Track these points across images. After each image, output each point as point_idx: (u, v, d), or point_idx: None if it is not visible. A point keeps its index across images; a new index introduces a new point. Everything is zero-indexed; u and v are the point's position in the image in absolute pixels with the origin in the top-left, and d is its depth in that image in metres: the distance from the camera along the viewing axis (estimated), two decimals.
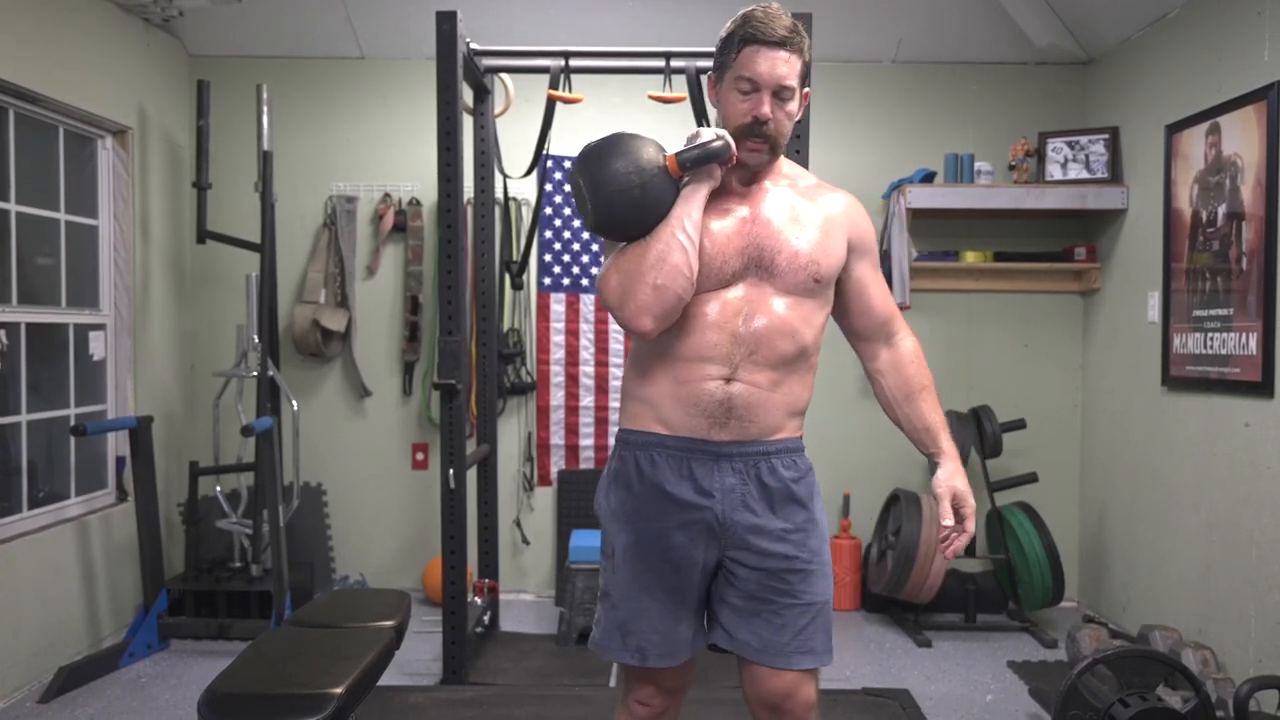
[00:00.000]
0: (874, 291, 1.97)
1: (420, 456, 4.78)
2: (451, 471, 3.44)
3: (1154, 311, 4.02)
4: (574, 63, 3.73)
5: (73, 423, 3.91)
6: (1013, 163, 4.58)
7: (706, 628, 1.98)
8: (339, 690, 2.13)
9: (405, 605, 2.78)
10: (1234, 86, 3.47)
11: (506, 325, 4.70)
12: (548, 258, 4.73)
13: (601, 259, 1.98)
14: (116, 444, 4.17)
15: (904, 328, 2.00)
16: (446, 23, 3.40)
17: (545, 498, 4.79)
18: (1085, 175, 4.43)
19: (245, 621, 4.00)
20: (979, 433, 4.36)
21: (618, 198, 1.80)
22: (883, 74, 4.74)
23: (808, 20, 3.26)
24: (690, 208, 1.82)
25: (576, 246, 4.73)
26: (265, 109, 4.19)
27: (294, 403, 4.32)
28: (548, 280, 4.74)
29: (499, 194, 4.34)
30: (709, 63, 3.69)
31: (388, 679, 3.20)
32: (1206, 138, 3.64)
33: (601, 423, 4.74)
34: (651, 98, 3.65)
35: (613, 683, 3.57)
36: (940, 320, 4.74)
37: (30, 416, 3.73)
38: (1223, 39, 3.55)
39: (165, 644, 3.97)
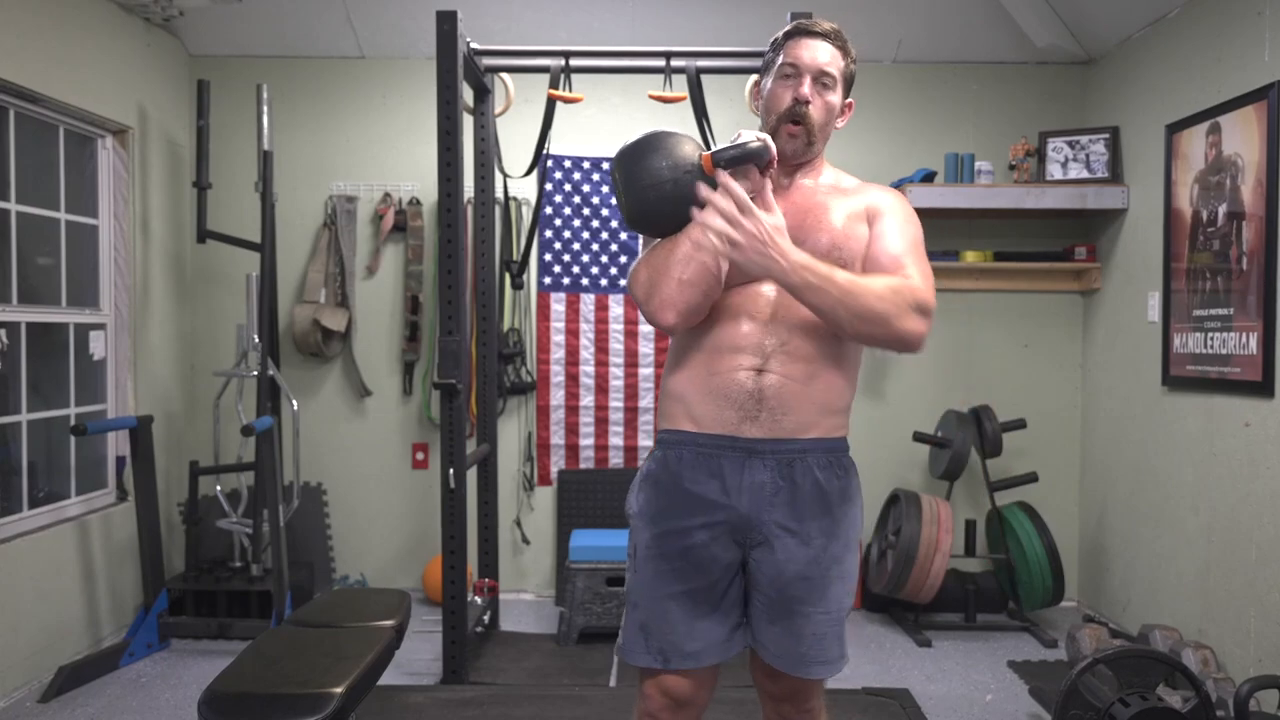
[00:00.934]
0: (879, 243, 1.86)
1: (420, 456, 4.78)
2: (451, 471, 3.44)
3: (1154, 311, 4.02)
4: (574, 62, 3.73)
5: (73, 422, 3.91)
6: (1013, 162, 4.58)
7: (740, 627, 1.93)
8: (339, 690, 2.13)
9: (405, 605, 2.78)
10: (1234, 86, 3.47)
11: (506, 325, 4.70)
12: (548, 257, 4.73)
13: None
14: (116, 444, 4.17)
15: (916, 278, 1.81)
16: (446, 22, 3.40)
17: (545, 497, 4.79)
18: (1085, 175, 4.43)
19: (245, 621, 4.00)
20: (979, 433, 4.36)
21: (651, 193, 1.81)
22: (883, 74, 4.74)
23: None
24: None
25: (576, 246, 4.73)
26: (265, 109, 4.19)
27: (294, 402, 4.32)
28: (548, 280, 4.74)
29: (499, 194, 4.34)
30: (709, 62, 3.74)
31: (388, 679, 3.20)
32: (1207, 137, 3.64)
33: (601, 423, 4.74)
34: (652, 97, 3.65)
35: (613, 682, 3.57)
36: (940, 320, 4.69)
37: (30, 416, 3.73)
38: (1223, 39, 3.55)
39: (165, 644, 3.97)
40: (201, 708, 2.08)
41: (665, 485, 1.89)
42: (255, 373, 4.14)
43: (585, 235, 4.72)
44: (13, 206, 3.64)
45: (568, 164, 4.69)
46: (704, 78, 3.65)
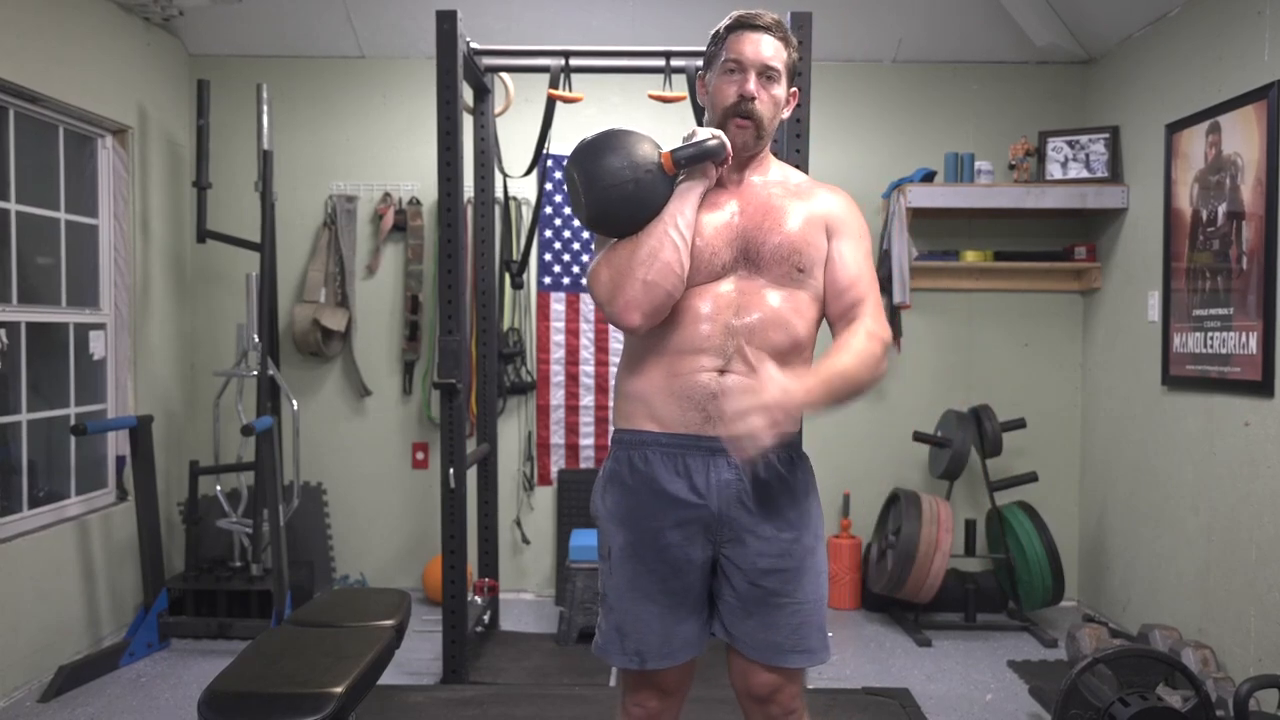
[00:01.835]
0: (840, 265, 1.89)
1: (420, 456, 4.78)
2: (451, 471, 3.44)
3: (1154, 311, 4.02)
4: (574, 62, 3.73)
5: (73, 422, 3.91)
6: (1013, 162, 4.58)
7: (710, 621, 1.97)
8: (339, 689, 2.13)
9: (405, 604, 2.78)
10: (1234, 86, 3.47)
11: (506, 325, 4.70)
12: (548, 257, 4.73)
13: (590, 251, 1.98)
14: (116, 443, 4.17)
15: (870, 316, 1.86)
16: (446, 22, 3.40)
17: (545, 497, 4.79)
18: (1085, 175, 4.43)
19: (245, 621, 4.00)
20: (979, 432, 4.36)
21: (612, 193, 1.81)
22: (883, 74, 4.74)
23: (807, 20, 3.27)
24: (684, 206, 1.84)
25: (576, 246, 4.73)
26: (265, 108, 4.19)
27: (294, 402, 4.32)
28: (548, 280, 4.74)
29: (499, 193, 4.34)
30: None
31: (388, 678, 3.20)
32: (1206, 137, 3.64)
33: (601, 422, 4.74)
34: (652, 97, 3.65)
35: (613, 682, 3.57)
36: (940, 320, 4.74)
37: (30, 416, 3.73)
38: (1223, 39, 3.55)
39: (165, 643, 3.97)
40: (201, 708, 2.08)
41: (633, 486, 1.90)
42: (255, 372, 4.14)
43: (585, 235, 4.72)
44: (13, 206, 3.64)
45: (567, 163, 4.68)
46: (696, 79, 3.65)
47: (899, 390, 4.76)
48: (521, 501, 4.79)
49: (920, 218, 4.58)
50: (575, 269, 4.73)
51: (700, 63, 3.74)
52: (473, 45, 3.68)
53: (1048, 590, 4.28)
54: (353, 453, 4.76)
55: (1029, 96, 4.72)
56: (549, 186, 4.69)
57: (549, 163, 4.54)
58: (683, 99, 3.67)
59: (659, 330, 1.86)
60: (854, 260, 1.91)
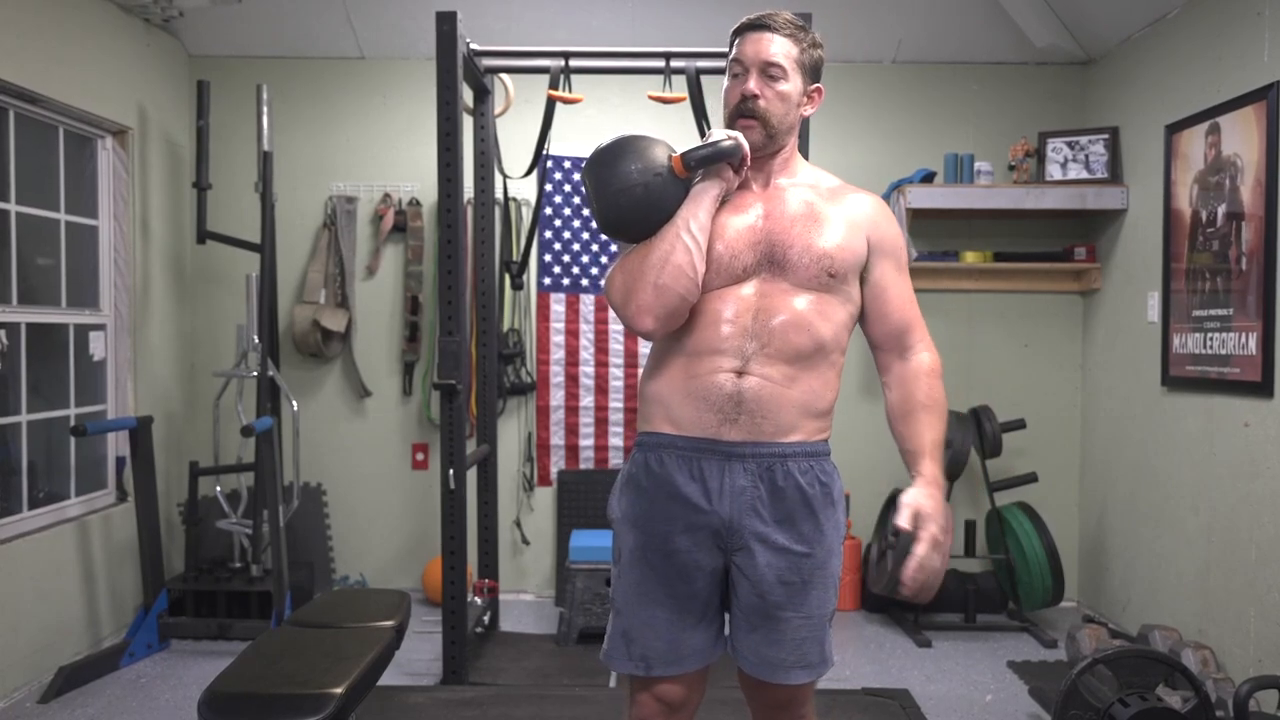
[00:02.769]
0: (891, 295, 1.90)
1: (420, 456, 4.78)
2: (451, 471, 3.44)
3: (1154, 311, 4.02)
4: (574, 63, 3.73)
5: (73, 423, 3.91)
6: (1013, 163, 4.58)
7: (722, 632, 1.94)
8: (339, 690, 2.13)
9: (405, 605, 2.78)
10: (1234, 86, 3.47)
11: (506, 325, 4.70)
12: (548, 258, 4.73)
13: (603, 259, 1.99)
14: (116, 444, 4.17)
15: (923, 341, 1.91)
16: (446, 23, 3.40)
17: (545, 498, 4.79)
18: (1085, 175, 4.43)
19: (245, 621, 4.00)
20: (979, 433, 4.36)
21: (622, 197, 1.79)
22: (883, 74, 4.75)
23: (807, 20, 3.26)
24: (697, 209, 1.81)
25: (576, 247, 4.73)
26: (265, 109, 4.19)
27: (294, 403, 4.32)
28: (548, 280, 4.74)
29: (499, 194, 4.34)
30: (709, 63, 3.74)
31: (388, 679, 3.20)
32: (1206, 138, 3.64)
33: (601, 423, 4.74)
34: (651, 98, 3.65)
35: (613, 683, 3.57)
36: (940, 320, 4.73)
37: (30, 416, 3.73)
38: (1223, 39, 3.56)
39: (165, 644, 3.97)
40: (201, 708, 2.08)
41: (647, 489, 1.87)
42: (255, 373, 4.14)
43: (585, 236, 4.72)
44: (13, 207, 3.64)
45: (567, 164, 4.69)
46: (704, 78, 3.66)
47: None
48: (521, 502, 4.79)
49: (920, 218, 4.58)
50: (575, 270, 4.73)
51: (700, 64, 3.75)
52: (473, 46, 3.68)
53: (1047, 591, 4.28)
54: (353, 453, 4.76)
55: (1029, 97, 4.72)
56: (549, 187, 4.69)
57: (549, 163, 4.54)
58: (682, 100, 3.67)
59: (679, 332, 1.84)
60: (899, 282, 1.91)
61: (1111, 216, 4.42)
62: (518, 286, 4.50)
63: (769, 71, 1.85)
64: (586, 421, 4.75)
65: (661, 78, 3.71)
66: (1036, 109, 4.70)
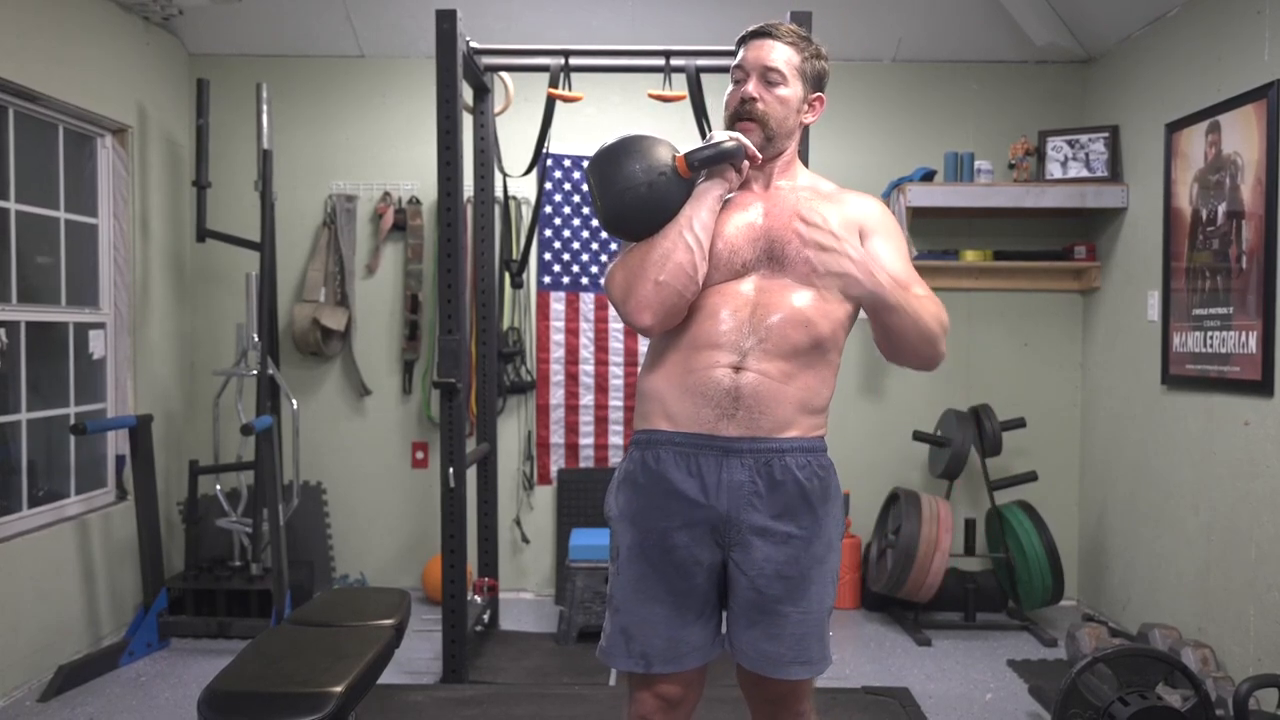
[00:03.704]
0: (885, 259, 1.86)
1: (420, 455, 4.78)
2: (451, 470, 3.44)
3: (1154, 310, 4.02)
4: (574, 61, 3.73)
5: (72, 421, 3.91)
6: (1013, 161, 4.58)
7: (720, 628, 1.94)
8: (339, 689, 2.13)
9: (405, 604, 2.78)
10: (1234, 85, 3.47)
11: (506, 324, 4.70)
12: (547, 256, 4.73)
13: (603, 257, 2.00)
14: (116, 443, 4.17)
15: (928, 295, 1.86)
16: (446, 21, 3.40)
17: (545, 496, 4.79)
18: (1085, 174, 4.43)
19: (245, 620, 4.00)
20: (979, 432, 4.36)
21: (625, 195, 1.81)
22: (883, 73, 4.74)
23: (807, 20, 3.28)
24: (700, 208, 1.84)
25: (576, 245, 4.73)
26: (265, 108, 4.19)
27: (294, 402, 4.32)
28: (547, 279, 4.73)
29: (499, 193, 4.34)
30: (709, 61, 3.74)
31: (387, 678, 3.20)
32: (1206, 136, 3.64)
33: (601, 422, 4.74)
34: (651, 96, 3.65)
35: (613, 681, 3.57)
36: None
37: (30, 415, 3.73)
38: (1223, 38, 3.55)
39: (165, 643, 3.97)
40: (201, 707, 2.08)
41: (645, 486, 1.88)
42: (255, 372, 4.14)
43: (585, 234, 4.72)
44: (12, 206, 3.64)
45: (567, 163, 4.69)
46: (704, 77, 3.66)
47: (899, 390, 4.76)
48: (521, 501, 4.79)
49: (920, 217, 4.58)
50: (575, 268, 4.73)
51: (700, 63, 3.76)
52: (472, 45, 3.68)
53: (1047, 590, 4.28)
54: (352, 452, 4.76)
55: (1029, 96, 4.72)
56: (548, 186, 4.69)
57: (549, 162, 4.54)
58: (682, 98, 3.67)
59: (678, 327, 1.87)
60: (890, 256, 1.89)
61: (1111, 215, 4.42)
62: (517, 285, 4.50)
63: (769, 76, 1.90)
64: (586, 420, 4.75)
65: (661, 76, 3.71)
66: (1036, 108, 4.70)
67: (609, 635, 1.93)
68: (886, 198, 4.59)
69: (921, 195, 4.44)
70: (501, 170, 4.16)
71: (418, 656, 3.84)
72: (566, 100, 3.74)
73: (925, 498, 4.25)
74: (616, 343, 4.71)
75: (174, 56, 4.58)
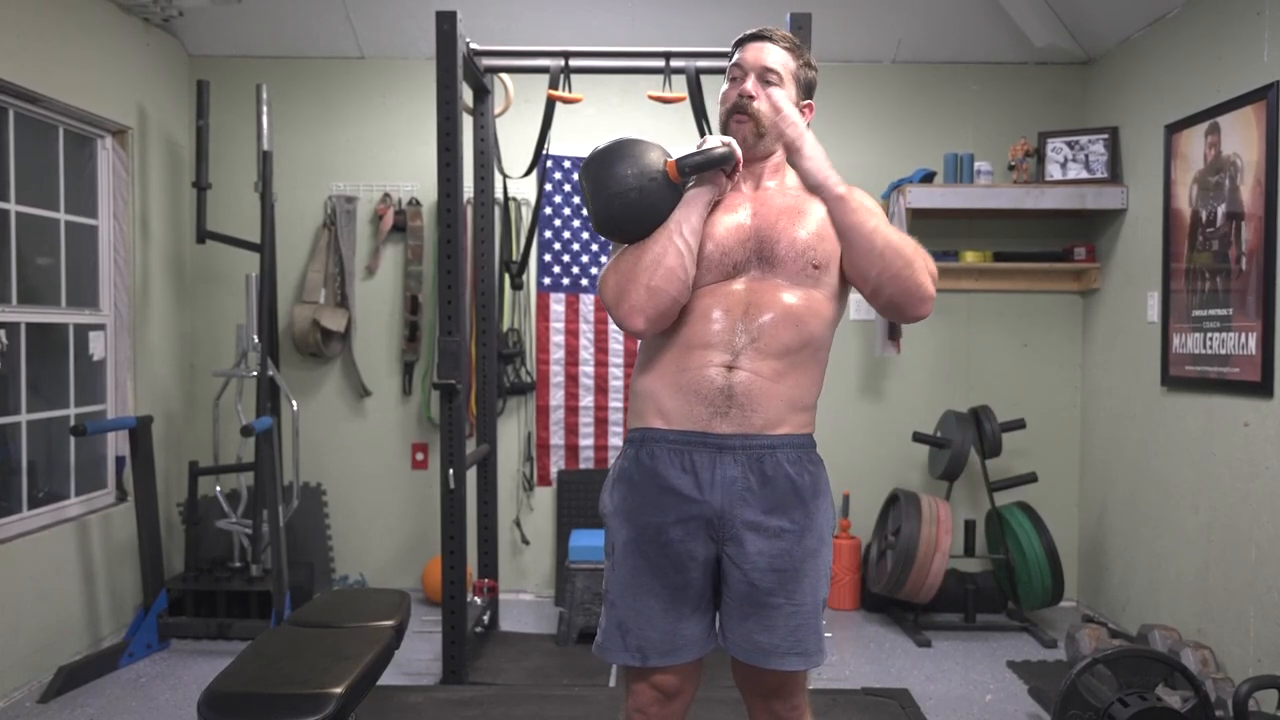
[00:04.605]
0: None
1: (420, 456, 4.78)
2: (451, 471, 3.44)
3: (1153, 311, 4.02)
4: (574, 63, 3.73)
5: (72, 423, 3.91)
6: (1012, 162, 4.58)
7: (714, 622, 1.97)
8: (339, 690, 2.13)
9: (405, 605, 2.78)
10: (1233, 86, 3.47)
11: (506, 325, 4.70)
12: (547, 258, 4.73)
13: (603, 258, 2.02)
14: (116, 444, 4.17)
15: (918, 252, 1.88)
16: (446, 23, 3.40)
17: (545, 498, 4.79)
18: (1085, 175, 4.43)
19: (245, 621, 4.00)
20: (979, 433, 4.36)
21: (616, 200, 1.84)
22: (883, 74, 4.75)
23: (807, 20, 3.28)
24: (690, 213, 1.87)
25: (576, 246, 4.73)
26: (265, 109, 4.19)
27: (294, 403, 4.32)
28: (547, 280, 4.74)
29: (499, 194, 4.34)
30: (709, 63, 3.74)
31: (387, 679, 3.20)
32: (1206, 138, 3.64)
33: (601, 423, 4.74)
34: (651, 98, 3.65)
35: (613, 682, 3.57)
36: (940, 320, 4.73)
37: (30, 416, 3.73)
38: (1222, 39, 3.56)
39: (165, 644, 3.97)
40: (201, 708, 2.08)
41: (640, 483, 1.91)
42: (255, 373, 4.14)
43: (585, 236, 4.72)
44: (12, 207, 3.64)
45: (567, 164, 4.69)
46: (703, 78, 3.66)
47: (898, 390, 4.76)
48: (521, 502, 4.79)
49: (920, 218, 4.58)
50: (575, 269, 4.73)
51: (700, 64, 3.77)
52: (472, 46, 3.68)
53: (1047, 590, 4.28)
54: (352, 453, 4.77)
55: (1029, 97, 4.72)
56: (548, 187, 4.69)
57: (548, 163, 4.54)
58: (682, 99, 3.67)
59: (671, 328, 1.90)
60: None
61: (1111, 216, 4.42)
62: (517, 286, 4.50)
63: (766, 77, 1.95)
64: (586, 421, 4.75)
65: (661, 77, 3.71)
66: (1036, 109, 4.70)
67: (605, 629, 1.96)
68: (886, 199, 4.60)
69: (921, 196, 4.44)
70: (501, 171, 4.16)
71: (418, 657, 3.84)
72: (566, 101, 3.74)
73: (925, 499, 4.25)
74: (616, 344, 4.71)
75: (174, 58, 4.58)
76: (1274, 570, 3.21)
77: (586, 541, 4.06)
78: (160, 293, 4.45)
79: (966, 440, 4.32)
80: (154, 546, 3.94)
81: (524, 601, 4.73)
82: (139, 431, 3.89)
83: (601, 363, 4.73)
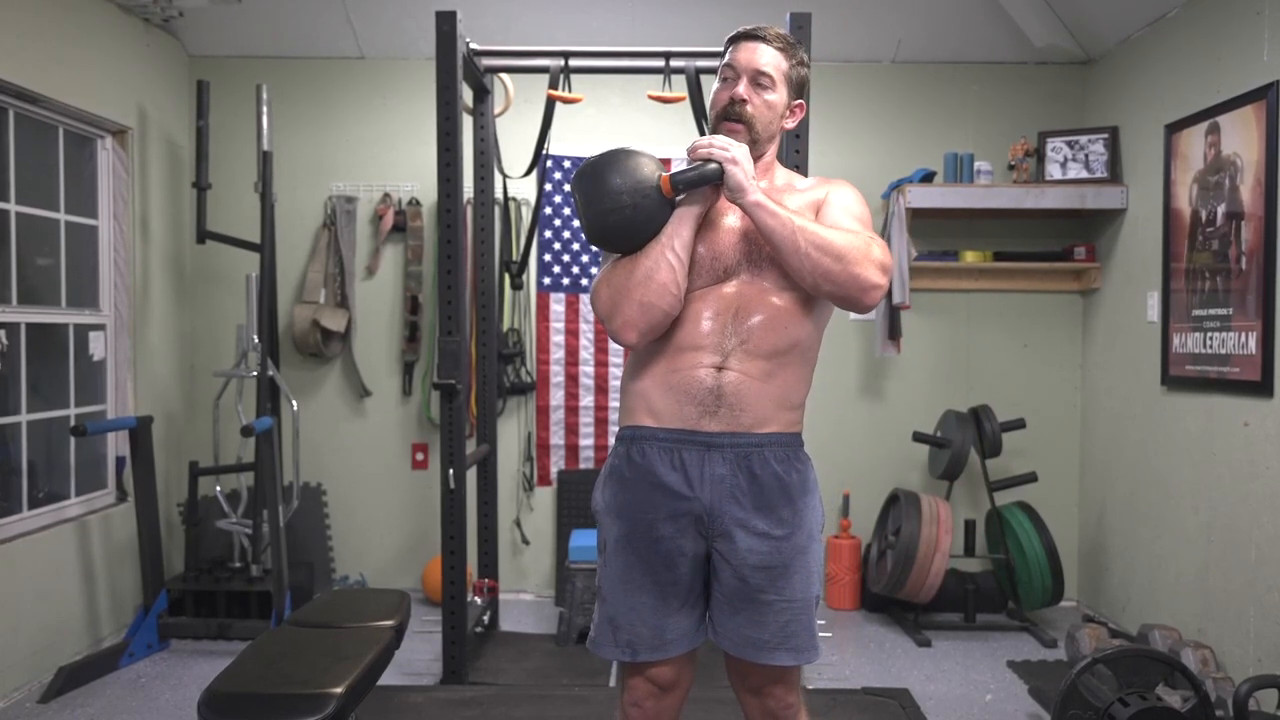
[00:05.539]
0: (829, 218, 1.90)
1: (420, 456, 4.78)
2: (451, 471, 3.44)
3: (1153, 311, 4.02)
4: (574, 63, 3.74)
5: (73, 423, 3.91)
6: (1012, 162, 4.58)
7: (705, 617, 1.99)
8: (339, 690, 2.13)
9: (405, 605, 2.78)
10: (1233, 86, 3.47)
11: (506, 325, 4.70)
12: (547, 258, 4.73)
13: (602, 258, 2.02)
14: (116, 444, 4.17)
15: (874, 239, 1.87)
16: (446, 23, 3.40)
17: (545, 498, 4.79)
18: (1085, 175, 4.43)
19: (245, 621, 4.00)
20: (979, 433, 4.36)
21: (611, 216, 1.86)
22: (883, 74, 4.75)
23: (807, 20, 3.28)
24: (681, 227, 1.88)
25: (576, 246, 4.73)
26: (265, 109, 4.19)
27: (294, 403, 4.32)
28: (547, 280, 4.74)
29: (499, 194, 4.34)
30: (708, 63, 3.74)
31: (387, 679, 3.20)
32: (1206, 137, 3.64)
33: (601, 423, 4.74)
34: (651, 98, 3.66)
35: (613, 682, 3.57)
36: (940, 320, 4.74)
37: (30, 416, 3.73)
38: (1222, 39, 3.56)
39: (165, 644, 3.97)
40: (201, 708, 2.08)
41: (630, 480, 1.93)
42: (255, 373, 4.14)
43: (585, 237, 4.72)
44: (12, 207, 3.64)
45: (567, 164, 4.69)
46: (703, 78, 3.66)
47: (898, 390, 4.76)
48: (521, 502, 4.79)
49: (919, 218, 4.58)
50: (575, 270, 4.73)
51: (700, 64, 3.77)
52: (472, 46, 3.68)
53: (1047, 590, 4.28)
54: (352, 453, 4.77)
55: (1028, 97, 4.72)
56: (548, 187, 4.69)
57: (548, 163, 4.54)
58: (682, 99, 3.67)
59: None
60: (842, 216, 1.91)
61: (1111, 216, 4.42)
62: (517, 286, 4.50)
63: (759, 80, 1.95)
64: (586, 421, 4.75)
65: (661, 77, 3.71)
66: (1036, 109, 4.70)
67: (597, 625, 1.99)
68: (886, 199, 4.60)
69: (921, 196, 4.44)
70: (501, 171, 4.16)
71: (418, 658, 3.84)
72: (566, 101, 3.74)
73: (925, 498, 4.25)
74: (616, 344, 4.71)
75: (174, 58, 4.58)
76: (1274, 570, 3.21)
77: (586, 541, 4.06)
78: (160, 293, 4.45)
79: (966, 440, 4.32)
80: (154, 547, 3.94)
81: (524, 601, 4.73)
82: (139, 432, 3.89)
83: (601, 363, 4.73)
